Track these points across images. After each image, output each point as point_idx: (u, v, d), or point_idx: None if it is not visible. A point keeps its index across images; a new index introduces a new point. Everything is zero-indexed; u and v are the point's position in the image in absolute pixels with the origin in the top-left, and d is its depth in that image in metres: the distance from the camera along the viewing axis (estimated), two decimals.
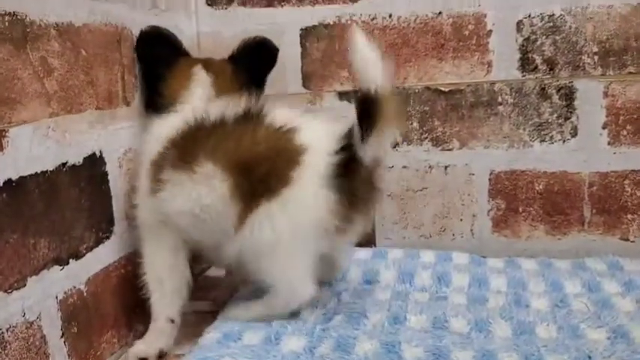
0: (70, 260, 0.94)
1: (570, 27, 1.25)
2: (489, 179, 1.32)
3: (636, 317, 0.98)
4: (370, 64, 0.87)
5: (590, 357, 0.87)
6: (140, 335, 1.12)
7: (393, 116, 0.90)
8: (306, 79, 1.36)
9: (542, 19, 1.26)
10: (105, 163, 1.04)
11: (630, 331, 0.94)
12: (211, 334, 0.99)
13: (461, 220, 1.35)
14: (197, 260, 1.31)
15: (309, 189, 0.93)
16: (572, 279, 1.14)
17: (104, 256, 1.04)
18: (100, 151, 1.03)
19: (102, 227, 1.03)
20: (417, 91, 1.32)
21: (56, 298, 0.90)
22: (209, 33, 1.38)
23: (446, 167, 1.34)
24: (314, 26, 1.34)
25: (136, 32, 1.14)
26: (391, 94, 0.89)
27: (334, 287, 1.16)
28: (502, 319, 0.99)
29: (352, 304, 1.08)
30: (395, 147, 1.34)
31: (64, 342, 0.91)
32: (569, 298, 1.07)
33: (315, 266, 0.98)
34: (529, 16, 1.26)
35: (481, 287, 1.14)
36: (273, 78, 1.35)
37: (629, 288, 1.10)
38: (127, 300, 1.10)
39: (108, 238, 1.05)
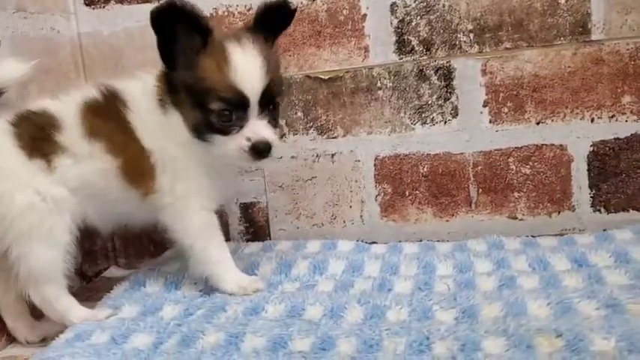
0: None
1: (444, 5, 1.24)
2: (374, 165, 1.31)
3: (492, 296, 0.97)
4: None
5: (428, 338, 0.86)
6: (14, 339, 1.12)
7: None
8: None
9: None
10: None
11: (480, 310, 0.92)
12: (64, 335, 0.98)
13: (350, 207, 1.33)
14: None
15: None
16: (446, 261, 1.13)
17: None
18: None
19: None
20: (298, 80, 1.31)
21: None
22: (90, 33, 1.37)
23: (332, 155, 1.32)
24: None
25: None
26: None
27: (210, 284, 1.15)
28: (358, 304, 0.98)
29: (219, 298, 1.07)
30: (282, 137, 1.33)
31: None
32: (435, 280, 1.06)
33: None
34: None
35: (354, 274, 1.13)
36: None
37: (499, 266, 1.09)
38: None
39: None
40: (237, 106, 0.98)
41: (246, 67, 0.97)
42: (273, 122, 1.02)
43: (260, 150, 0.98)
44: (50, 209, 1.02)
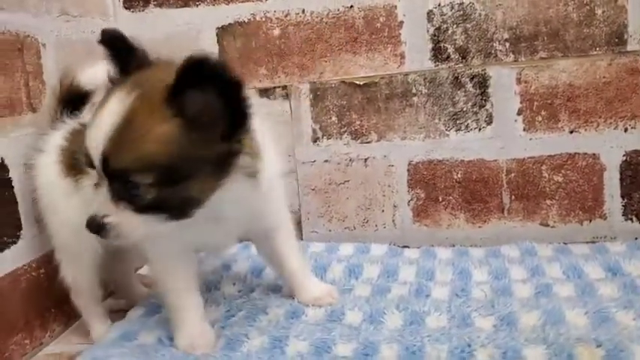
0: None
1: (480, 14, 1.25)
2: (408, 170, 1.33)
3: (529, 304, 0.98)
4: None
5: (469, 345, 0.88)
6: (57, 336, 1.15)
7: None
8: None
9: (452, 7, 1.26)
10: (8, 170, 1.06)
11: (519, 318, 0.94)
12: (111, 334, 1.01)
13: (383, 211, 1.35)
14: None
15: None
16: (481, 267, 1.15)
17: (11, 260, 1.06)
18: (2, 158, 1.05)
19: (7, 232, 1.06)
20: (333, 85, 1.33)
21: None
22: (129, 37, 1.38)
23: (366, 160, 1.34)
24: (230, 25, 1.35)
25: (43, 40, 1.16)
26: None
27: (249, 284, 1.17)
28: (397, 309, 1.00)
29: (258, 300, 1.09)
30: (315, 141, 1.35)
31: None
32: (472, 286, 1.08)
33: None
34: (439, 5, 1.26)
35: (389, 278, 1.15)
36: None
37: (534, 273, 1.11)
38: (40, 302, 1.12)
39: (14, 242, 1.07)
40: (90, 165, 0.80)
41: (96, 124, 0.77)
42: (131, 204, 0.77)
43: (87, 223, 0.79)
44: (75, 230, 0.98)
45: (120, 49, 0.85)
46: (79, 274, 1.06)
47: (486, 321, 0.95)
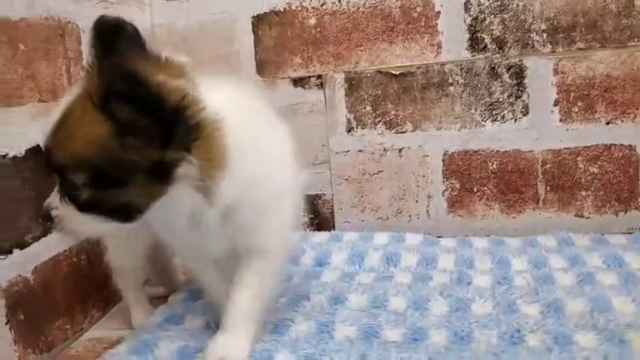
0: (15, 250, 0.97)
1: (518, 5, 1.25)
2: (443, 160, 1.33)
3: (573, 291, 0.99)
4: None
5: (518, 331, 0.88)
6: (96, 321, 1.15)
7: None
8: (260, 67, 1.37)
9: None
10: None
11: (565, 305, 0.94)
12: (155, 318, 1.01)
13: (416, 201, 1.36)
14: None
15: None
16: (520, 256, 1.15)
17: (53, 245, 1.06)
18: None
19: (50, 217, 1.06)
20: (369, 75, 1.33)
21: None
22: (163, 24, 1.39)
23: (400, 150, 1.34)
24: (265, 13, 1.35)
25: (83, 26, 1.16)
26: None
27: (286, 271, 1.17)
28: (441, 296, 1.01)
29: (298, 286, 1.10)
30: (350, 131, 1.35)
31: (10, 329, 0.94)
32: (513, 274, 1.08)
33: None
34: None
35: (428, 266, 1.15)
36: (228, 67, 1.38)
37: (573, 263, 1.11)
38: (81, 288, 1.13)
39: None
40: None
41: (50, 119, 0.77)
42: (71, 201, 0.76)
43: (42, 211, 0.80)
44: None
45: (110, 39, 0.79)
46: (126, 258, 1.06)
47: (532, 308, 0.95)
